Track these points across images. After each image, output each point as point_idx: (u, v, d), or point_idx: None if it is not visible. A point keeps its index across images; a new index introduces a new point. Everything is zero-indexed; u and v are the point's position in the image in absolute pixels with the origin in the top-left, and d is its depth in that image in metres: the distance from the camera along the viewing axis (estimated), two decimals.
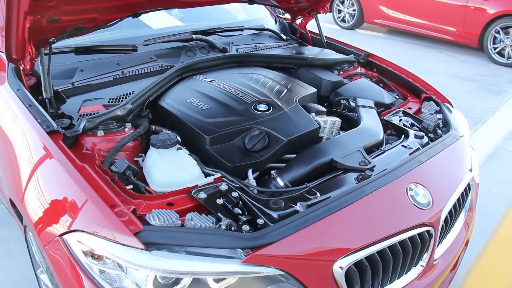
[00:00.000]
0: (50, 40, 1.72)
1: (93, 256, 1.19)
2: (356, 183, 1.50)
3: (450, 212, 1.58)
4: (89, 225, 1.20)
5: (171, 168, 1.46)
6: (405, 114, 2.06)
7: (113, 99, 1.81)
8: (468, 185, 1.75)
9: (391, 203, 1.44)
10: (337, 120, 1.85)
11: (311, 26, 2.86)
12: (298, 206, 1.36)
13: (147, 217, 1.23)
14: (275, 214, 1.32)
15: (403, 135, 1.88)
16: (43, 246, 1.32)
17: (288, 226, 1.23)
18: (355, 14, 7.54)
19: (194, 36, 2.35)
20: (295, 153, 1.67)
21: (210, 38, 2.40)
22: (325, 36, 2.80)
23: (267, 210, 1.33)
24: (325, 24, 7.78)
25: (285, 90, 1.97)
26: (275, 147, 1.63)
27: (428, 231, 1.45)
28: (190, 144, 1.66)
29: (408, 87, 2.34)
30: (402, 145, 1.77)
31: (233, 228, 1.25)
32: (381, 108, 2.11)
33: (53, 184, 1.37)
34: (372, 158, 1.64)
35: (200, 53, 2.31)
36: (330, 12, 7.92)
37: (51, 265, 1.32)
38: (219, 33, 2.51)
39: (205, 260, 1.14)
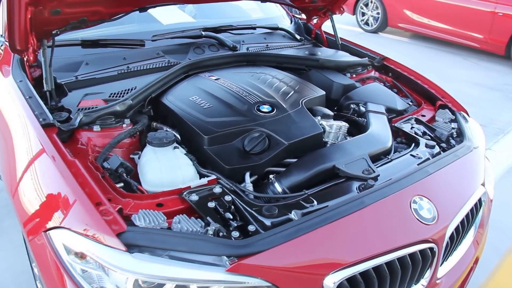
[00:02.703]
0: (53, 32, 1.70)
1: (76, 254, 1.15)
2: (357, 192, 1.42)
3: (457, 229, 1.48)
4: (73, 223, 1.16)
5: (165, 168, 1.41)
6: (418, 121, 1.96)
7: (115, 94, 1.78)
8: (480, 200, 1.65)
9: (392, 216, 1.35)
10: (344, 125, 1.78)
11: (328, 27, 2.78)
12: (293, 214, 1.29)
13: (133, 217, 1.18)
14: (267, 221, 1.25)
15: (413, 144, 1.79)
16: (29, 240, 1.30)
17: (279, 235, 1.16)
18: (379, 17, 7.38)
19: (203, 33, 2.30)
20: (297, 158, 1.60)
21: (221, 35, 2.35)
22: (340, 38, 2.72)
23: (259, 217, 1.26)
24: (348, 26, 7.66)
25: (292, 92, 1.90)
26: (275, 150, 1.56)
27: (431, 248, 1.36)
28: (190, 143, 1.61)
29: (423, 93, 2.24)
30: (411, 154, 1.68)
31: (221, 234, 1.19)
32: (393, 114, 2.02)
33: (43, 178, 1.34)
34: (377, 167, 1.56)
35: (209, 51, 2.26)
36: (353, 14, 7.80)
37: (34, 259, 1.29)
38: (230, 31, 2.46)
39: (188, 266, 1.09)
